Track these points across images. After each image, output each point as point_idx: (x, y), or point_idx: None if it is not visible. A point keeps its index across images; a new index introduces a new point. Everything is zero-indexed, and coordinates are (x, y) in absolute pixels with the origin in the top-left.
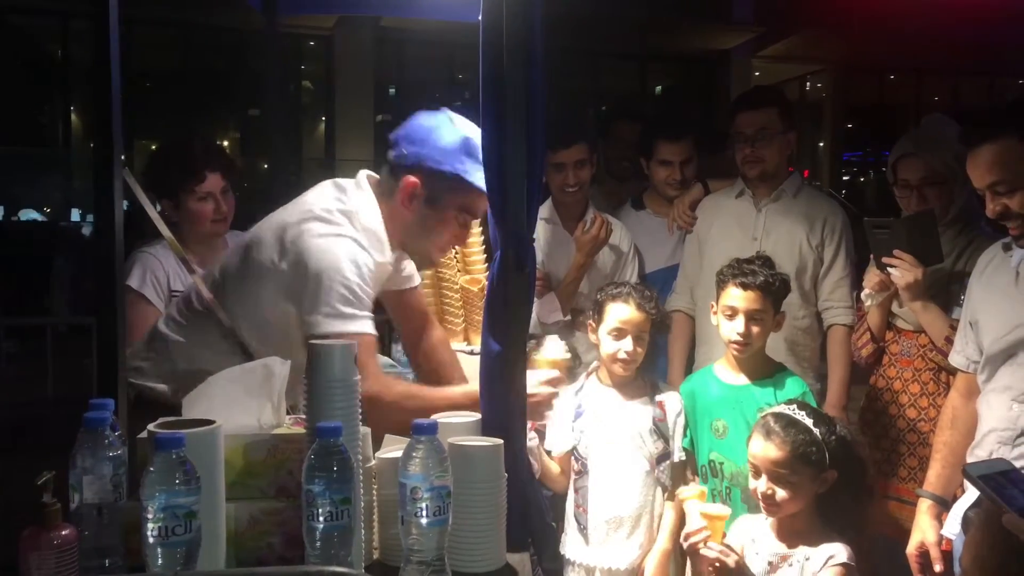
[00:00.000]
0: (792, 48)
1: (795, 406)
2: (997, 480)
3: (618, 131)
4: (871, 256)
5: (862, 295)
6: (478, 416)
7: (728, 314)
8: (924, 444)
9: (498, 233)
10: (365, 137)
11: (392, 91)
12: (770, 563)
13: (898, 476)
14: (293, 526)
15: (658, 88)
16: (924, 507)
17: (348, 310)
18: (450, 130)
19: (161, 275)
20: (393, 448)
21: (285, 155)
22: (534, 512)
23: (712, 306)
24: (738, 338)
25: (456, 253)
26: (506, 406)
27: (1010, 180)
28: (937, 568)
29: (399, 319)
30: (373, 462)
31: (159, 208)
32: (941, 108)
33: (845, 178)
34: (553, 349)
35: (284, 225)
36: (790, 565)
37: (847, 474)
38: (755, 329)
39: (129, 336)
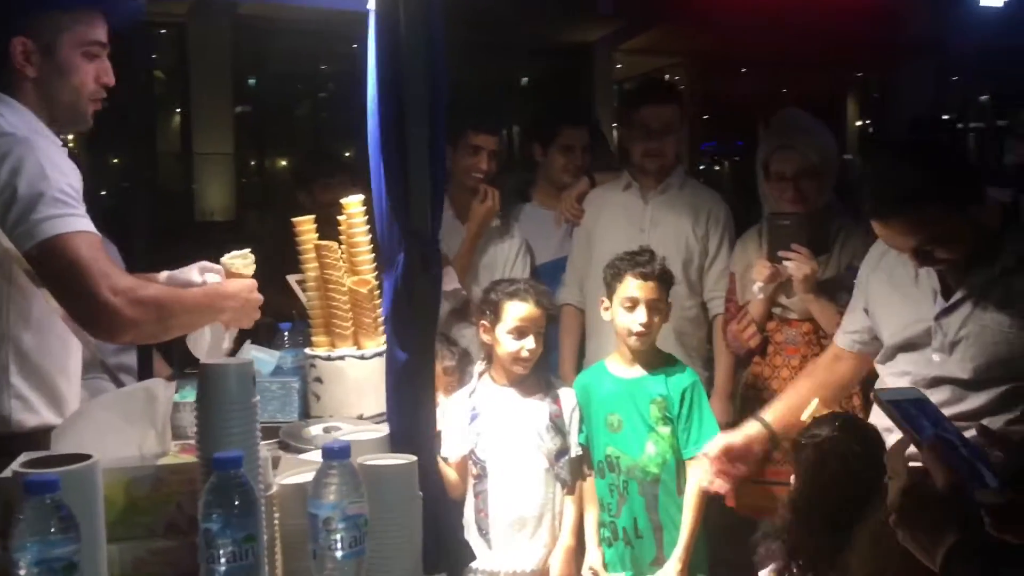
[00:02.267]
0: (652, 41)
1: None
2: (906, 408)
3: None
4: (746, 248)
5: (754, 287)
6: (386, 431)
7: (628, 306)
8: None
9: (401, 234)
10: (224, 129)
11: (252, 81)
12: None
13: (773, 460)
14: (186, 566)
15: (524, 79)
16: (752, 429)
17: (63, 210)
18: None
19: None
20: (295, 472)
21: (139, 150)
22: (448, 530)
23: (603, 300)
24: (640, 329)
25: (343, 253)
26: (416, 418)
27: (934, 239)
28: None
29: None
30: (274, 488)
31: None
32: (787, 100)
33: (701, 167)
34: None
35: None
36: None
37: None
38: (655, 319)
39: None
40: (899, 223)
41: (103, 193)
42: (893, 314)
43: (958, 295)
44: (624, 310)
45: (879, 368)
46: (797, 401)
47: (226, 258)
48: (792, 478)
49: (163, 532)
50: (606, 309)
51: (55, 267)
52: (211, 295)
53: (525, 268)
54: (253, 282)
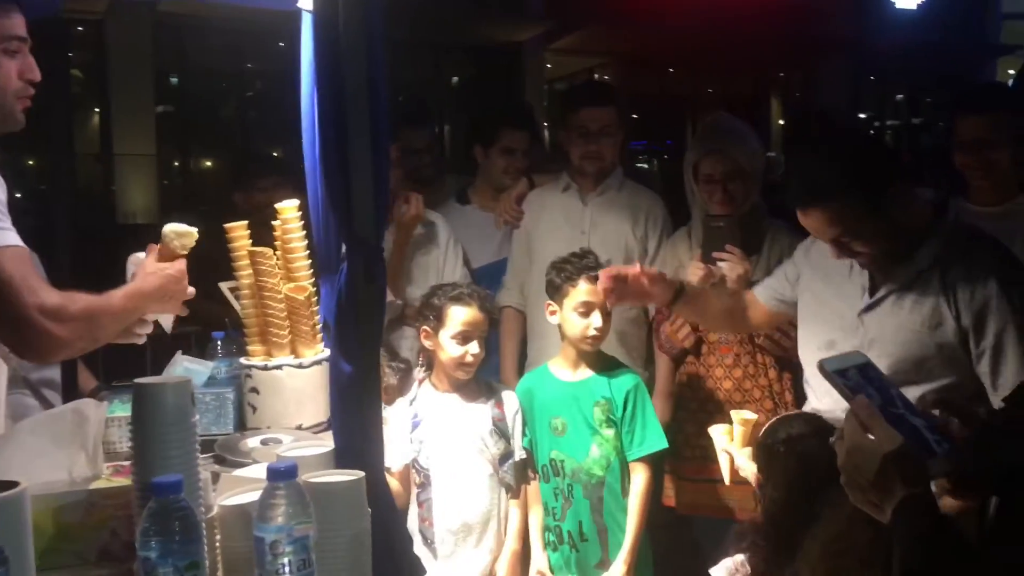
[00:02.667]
0: (580, 41)
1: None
2: (852, 376)
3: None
4: (676, 249)
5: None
6: (328, 443)
7: (583, 311)
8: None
9: (344, 243)
10: (146, 129)
11: (174, 80)
12: None
13: (710, 457)
14: None
15: (454, 79)
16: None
17: None
18: None
19: None
20: (236, 491)
21: (55, 151)
22: (399, 546)
23: (549, 304)
24: (595, 333)
25: (278, 259)
26: (362, 432)
27: (852, 232)
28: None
29: None
30: (215, 510)
31: None
32: (713, 99)
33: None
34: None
35: None
36: None
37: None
38: (607, 323)
39: None
40: (817, 214)
41: (18, 196)
42: (821, 305)
43: (880, 293)
44: (578, 315)
45: (804, 364)
46: (711, 295)
47: (168, 227)
48: (760, 485)
49: (96, 560)
50: (553, 313)
51: None
52: (135, 294)
53: (456, 270)
54: (177, 267)
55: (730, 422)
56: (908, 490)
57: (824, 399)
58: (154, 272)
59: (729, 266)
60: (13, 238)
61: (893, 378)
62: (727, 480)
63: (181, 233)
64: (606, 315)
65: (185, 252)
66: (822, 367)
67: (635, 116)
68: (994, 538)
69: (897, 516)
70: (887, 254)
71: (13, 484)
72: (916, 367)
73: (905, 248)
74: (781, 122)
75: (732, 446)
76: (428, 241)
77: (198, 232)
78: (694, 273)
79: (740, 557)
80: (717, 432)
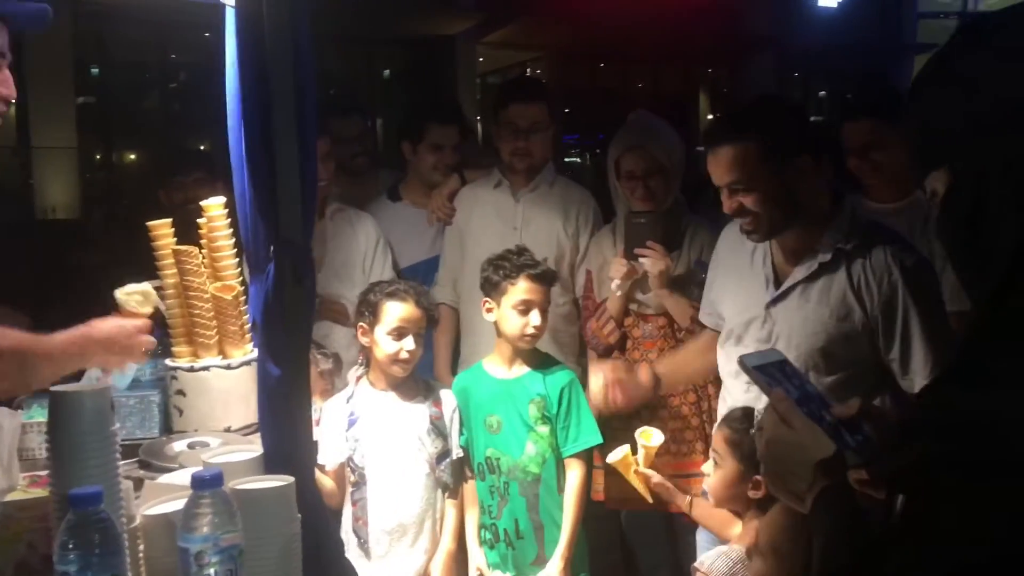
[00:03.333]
0: (513, 35)
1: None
2: (771, 371)
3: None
4: (600, 246)
5: (612, 285)
6: (257, 446)
7: (522, 309)
8: (675, 417)
9: (271, 243)
10: (65, 121)
11: (95, 71)
12: None
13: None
14: None
15: (386, 72)
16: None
17: None
18: None
19: None
20: (160, 500)
21: None
22: (329, 551)
23: (486, 301)
24: (534, 331)
25: (204, 258)
26: (292, 435)
27: (746, 180)
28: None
29: None
30: (138, 520)
31: None
32: (644, 94)
33: (566, 160)
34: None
35: None
36: None
37: None
38: (544, 320)
39: None
40: (723, 153)
41: None
42: (729, 296)
43: (785, 285)
44: (517, 313)
45: (720, 365)
46: (682, 360)
47: (120, 292)
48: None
49: (12, 574)
50: (489, 311)
51: None
52: (79, 341)
53: (385, 271)
54: (144, 322)
55: (659, 415)
56: (826, 480)
57: (735, 395)
58: (107, 322)
59: (651, 262)
60: None
61: (801, 369)
62: (649, 499)
63: (135, 294)
64: (544, 313)
65: (149, 311)
66: (742, 363)
67: (567, 111)
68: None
69: (816, 506)
70: (771, 224)
71: None
72: (823, 357)
73: (810, 239)
74: (709, 117)
75: (641, 468)
76: (354, 239)
77: (156, 287)
78: (617, 270)
79: (739, 548)
80: (617, 457)
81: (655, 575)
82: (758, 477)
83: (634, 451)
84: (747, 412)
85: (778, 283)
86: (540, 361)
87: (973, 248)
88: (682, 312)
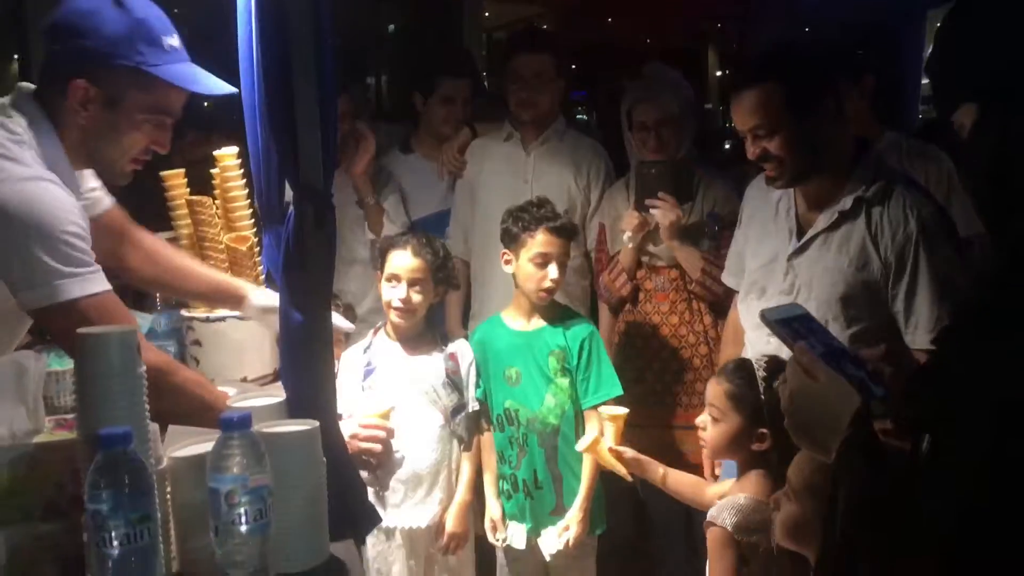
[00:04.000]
0: None
1: (765, 360)
2: (794, 325)
3: None
4: (614, 198)
5: (623, 237)
6: (282, 397)
7: (539, 262)
8: (687, 369)
9: (291, 188)
10: None
11: None
12: None
13: (664, 403)
14: (70, 549)
15: (391, 27)
16: None
17: (78, 269)
18: (117, 12)
19: None
20: (185, 443)
21: None
22: (354, 493)
23: (504, 253)
24: (551, 285)
25: (217, 208)
26: (314, 381)
27: (770, 124)
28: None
29: (104, 251)
30: (165, 462)
31: None
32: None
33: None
34: (374, 404)
35: None
36: None
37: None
38: (562, 274)
39: None
40: (748, 96)
41: None
42: (752, 248)
43: (808, 235)
44: (534, 266)
45: (741, 317)
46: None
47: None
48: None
49: (42, 515)
50: (508, 262)
51: (62, 331)
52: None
53: (397, 220)
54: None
55: (671, 368)
56: (851, 430)
57: (757, 347)
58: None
59: (662, 213)
60: (97, 284)
61: (821, 320)
62: (626, 475)
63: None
64: (562, 267)
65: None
66: (764, 317)
67: (574, 67)
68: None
69: (841, 456)
70: (795, 170)
71: None
72: (843, 308)
73: (832, 188)
74: (718, 73)
75: (611, 443)
76: (384, 185)
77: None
78: (629, 222)
79: (744, 496)
80: (587, 443)
81: (669, 527)
82: (763, 430)
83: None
84: (744, 364)
85: (801, 234)
86: (559, 313)
87: (998, 181)
88: (693, 263)
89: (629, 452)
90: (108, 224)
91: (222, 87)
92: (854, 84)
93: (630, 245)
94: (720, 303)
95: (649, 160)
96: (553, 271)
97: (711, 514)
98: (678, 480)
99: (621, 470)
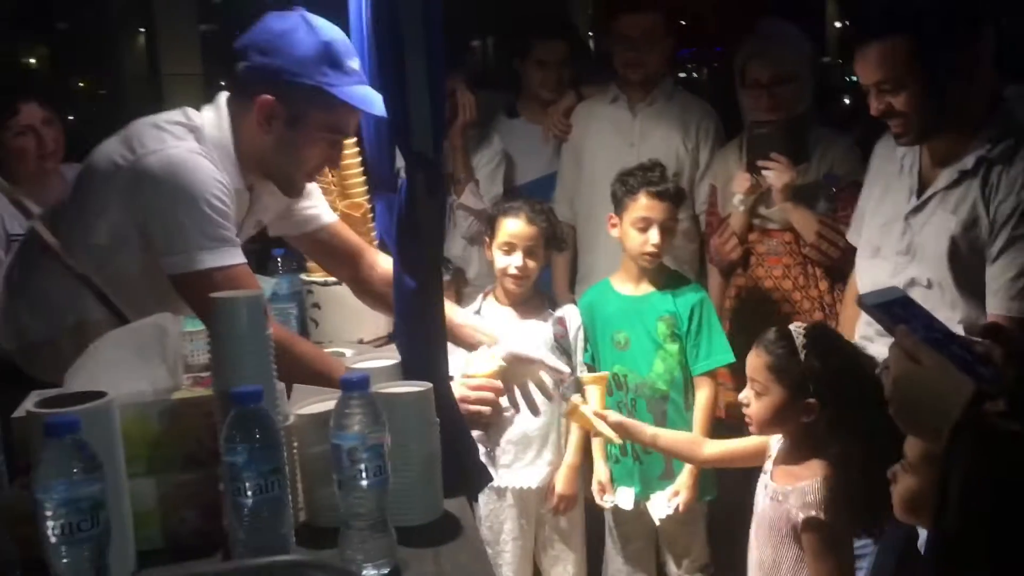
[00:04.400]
0: None
1: (803, 327)
2: (893, 309)
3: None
4: (727, 160)
5: (734, 200)
6: (397, 359)
7: (641, 226)
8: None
9: (403, 157)
10: (191, 49)
11: None
12: (767, 494)
13: None
14: (207, 498)
15: None
16: None
17: (215, 242)
18: (307, 34)
19: None
20: (308, 401)
21: (105, 72)
22: (466, 454)
23: (611, 217)
24: (652, 249)
25: (332, 176)
26: (427, 345)
27: (896, 79)
28: None
29: (327, 266)
30: (292, 419)
31: None
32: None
33: (681, 75)
34: (485, 363)
35: (120, 142)
36: (779, 502)
37: (843, 410)
38: (666, 239)
39: None
40: (871, 50)
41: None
42: (875, 205)
43: (927, 194)
44: (636, 230)
45: (857, 266)
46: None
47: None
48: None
49: (182, 466)
50: (613, 226)
51: (194, 298)
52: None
53: (496, 180)
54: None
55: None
56: (962, 414)
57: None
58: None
59: (774, 174)
60: (232, 257)
61: (940, 284)
62: (615, 439)
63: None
64: (665, 232)
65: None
66: (861, 302)
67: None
68: None
69: (952, 441)
70: (922, 127)
71: (101, 394)
72: (952, 271)
73: (953, 146)
74: (837, 24)
75: (595, 407)
76: (478, 147)
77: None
78: (740, 184)
79: (809, 484)
80: (569, 410)
81: None
82: (810, 401)
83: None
84: (784, 332)
85: (921, 193)
86: (670, 278)
87: None
88: (808, 226)
89: (613, 415)
90: (337, 239)
91: None
92: (978, 35)
93: (741, 208)
94: (837, 267)
95: (761, 120)
96: (654, 235)
97: (799, 515)
98: (672, 440)
99: (609, 433)
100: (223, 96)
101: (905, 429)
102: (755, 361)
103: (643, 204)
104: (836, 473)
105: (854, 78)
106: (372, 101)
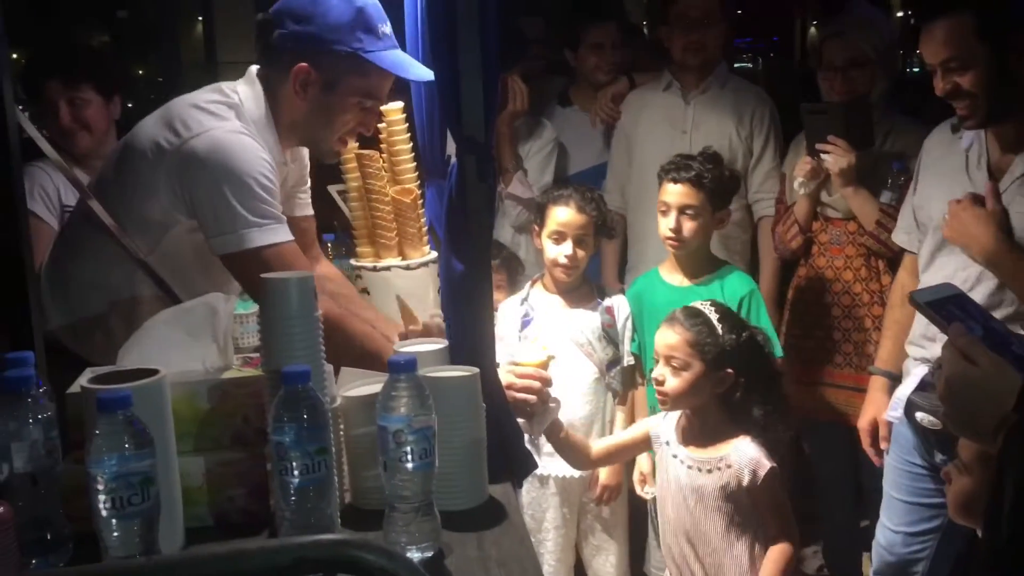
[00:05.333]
0: None
1: (710, 304)
2: (947, 308)
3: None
4: (799, 147)
5: (795, 184)
6: (445, 343)
7: (663, 210)
8: (859, 329)
9: (454, 140)
10: (247, 37)
11: None
12: (688, 467)
13: (833, 363)
14: (255, 477)
15: None
16: (877, 384)
17: (264, 219)
18: (338, 2)
19: (51, 188)
20: (356, 384)
21: (164, 60)
22: (512, 440)
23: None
24: (670, 234)
25: (384, 162)
26: (474, 329)
27: (963, 57)
28: (883, 445)
29: None
30: (339, 401)
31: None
32: None
33: (736, 65)
34: (532, 352)
35: (162, 124)
36: (709, 471)
37: (753, 379)
38: (688, 225)
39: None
40: (937, 27)
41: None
42: (940, 203)
43: (1005, 184)
44: (660, 215)
45: (920, 271)
46: (905, 338)
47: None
48: None
49: (230, 444)
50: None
51: (245, 276)
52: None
53: (547, 169)
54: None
55: (841, 327)
56: (1018, 415)
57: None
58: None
59: (833, 159)
60: (281, 234)
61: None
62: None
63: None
64: (691, 218)
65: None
66: (912, 299)
67: (740, 12)
68: None
69: (1007, 443)
70: (989, 109)
71: (153, 372)
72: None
73: (1021, 128)
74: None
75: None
76: (530, 135)
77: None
78: (800, 168)
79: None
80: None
81: (833, 488)
82: (728, 371)
83: None
84: (696, 311)
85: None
86: (718, 269)
87: None
88: (868, 214)
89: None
90: (308, 234)
91: (427, 74)
92: None
93: (801, 191)
94: (898, 260)
95: (818, 102)
96: (671, 219)
97: (744, 472)
98: (567, 442)
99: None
100: (253, 69)
101: (957, 431)
102: (673, 339)
103: (665, 189)
104: (763, 433)
105: (915, 69)
106: (406, 65)
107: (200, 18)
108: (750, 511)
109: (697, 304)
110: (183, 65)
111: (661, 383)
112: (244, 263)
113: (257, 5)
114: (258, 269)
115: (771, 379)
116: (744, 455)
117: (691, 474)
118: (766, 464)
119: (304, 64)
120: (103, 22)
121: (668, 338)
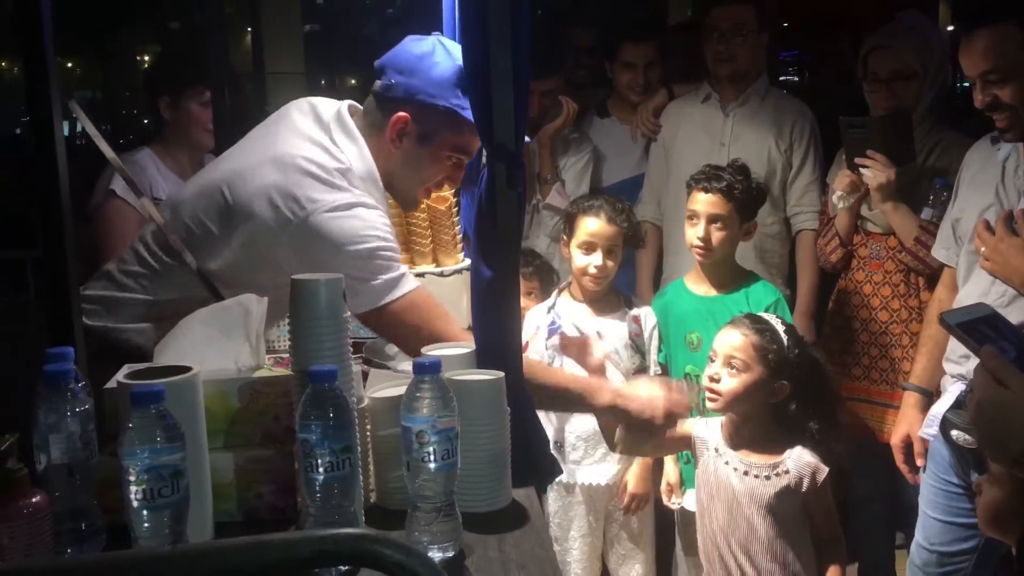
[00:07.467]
0: None
1: (775, 316)
2: (979, 329)
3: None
4: (843, 159)
5: (833, 198)
6: (472, 347)
7: (691, 218)
8: (896, 345)
9: (484, 148)
10: (294, 48)
11: (320, 0)
12: (744, 473)
13: (870, 378)
14: (283, 474)
15: None
16: (911, 400)
17: (387, 275)
18: (443, 59)
19: (144, 181)
20: (383, 386)
21: (215, 70)
22: (536, 445)
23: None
24: (698, 243)
25: None
26: (501, 334)
27: (1004, 69)
28: (919, 462)
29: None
30: (366, 402)
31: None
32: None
33: (781, 78)
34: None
35: (277, 187)
36: (767, 477)
37: (809, 397)
38: (716, 234)
39: (118, 244)
40: (977, 38)
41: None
42: (977, 216)
43: None
44: (688, 223)
45: (959, 286)
46: (940, 354)
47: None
48: None
49: (260, 441)
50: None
51: (382, 329)
52: (585, 387)
53: (584, 180)
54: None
55: (879, 342)
56: None
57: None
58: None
59: (871, 173)
60: (405, 285)
61: None
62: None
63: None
64: (719, 228)
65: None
66: (943, 321)
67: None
68: None
69: None
70: None
71: (187, 369)
72: None
73: None
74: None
75: None
76: (568, 148)
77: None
78: (840, 182)
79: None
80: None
81: (869, 507)
82: (784, 383)
83: None
84: (762, 319)
85: None
86: (745, 279)
87: None
88: (906, 230)
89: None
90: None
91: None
92: None
93: (840, 205)
94: (937, 276)
95: (857, 116)
96: (700, 228)
97: (800, 477)
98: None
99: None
100: (343, 108)
101: (991, 457)
102: (739, 339)
103: (693, 198)
104: (816, 447)
105: (967, 84)
106: None
107: (249, 29)
108: (801, 517)
109: (763, 314)
110: (234, 75)
111: (716, 381)
112: (378, 317)
113: (304, 17)
114: (391, 320)
115: (829, 403)
116: (802, 460)
117: (746, 480)
118: (824, 469)
119: (404, 114)
120: (156, 33)
121: (733, 338)
